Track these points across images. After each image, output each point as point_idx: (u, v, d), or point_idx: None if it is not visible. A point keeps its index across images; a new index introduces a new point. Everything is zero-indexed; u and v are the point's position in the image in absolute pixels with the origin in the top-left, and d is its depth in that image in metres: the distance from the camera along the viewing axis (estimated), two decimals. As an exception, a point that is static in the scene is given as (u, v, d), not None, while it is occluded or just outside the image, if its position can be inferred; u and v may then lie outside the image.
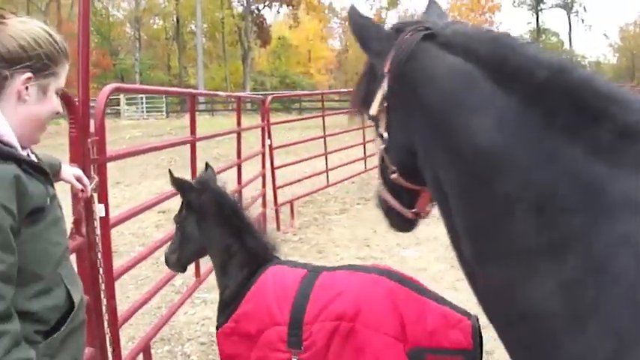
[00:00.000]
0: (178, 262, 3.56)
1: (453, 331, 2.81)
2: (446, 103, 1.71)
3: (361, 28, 2.06)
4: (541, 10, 74.10)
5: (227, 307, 3.22)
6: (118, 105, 40.79)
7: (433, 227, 9.49)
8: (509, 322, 1.60)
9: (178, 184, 3.46)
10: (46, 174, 2.02)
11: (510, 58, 1.62)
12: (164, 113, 42.87)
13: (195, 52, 59.24)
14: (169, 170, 3.54)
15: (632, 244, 1.33)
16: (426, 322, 2.81)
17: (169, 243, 3.65)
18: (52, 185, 2.09)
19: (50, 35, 2.00)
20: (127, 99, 42.07)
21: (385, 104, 1.96)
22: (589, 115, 1.47)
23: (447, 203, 1.77)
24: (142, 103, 43.59)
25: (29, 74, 1.93)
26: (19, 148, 1.90)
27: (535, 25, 75.42)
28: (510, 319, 1.59)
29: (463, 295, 6.40)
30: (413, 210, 2.22)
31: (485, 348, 5.18)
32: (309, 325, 2.91)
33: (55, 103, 2.07)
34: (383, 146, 2.05)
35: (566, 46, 75.75)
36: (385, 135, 2.01)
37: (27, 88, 1.93)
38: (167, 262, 3.59)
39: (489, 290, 1.67)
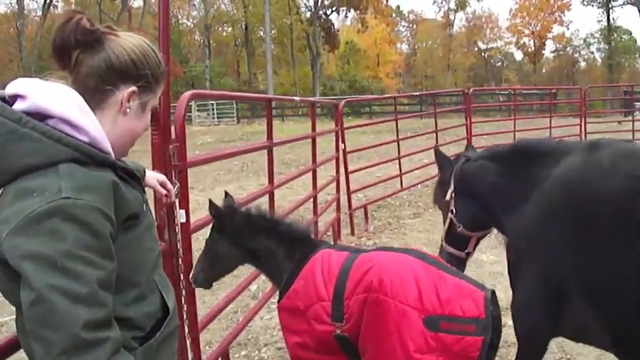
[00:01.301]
0: (206, 281, 3.82)
1: (465, 300, 3.13)
2: (476, 177, 3.99)
3: (442, 164, 4.54)
4: (612, 7, 70.83)
5: (285, 287, 3.53)
6: (190, 112, 41.22)
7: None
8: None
9: (216, 211, 3.72)
10: (139, 180, 2.01)
11: (497, 151, 3.97)
12: (235, 119, 43.39)
13: (264, 58, 59.78)
14: (210, 200, 3.78)
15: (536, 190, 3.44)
16: (441, 292, 3.14)
17: (195, 263, 3.85)
18: (144, 191, 2.08)
19: (156, 54, 1.99)
20: (197, 105, 42.66)
21: (453, 194, 4.22)
22: (524, 156, 3.64)
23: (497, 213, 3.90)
24: (213, 109, 44.15)
25: (134, 88, 1.91)
26: (113, 155, 1.88)
27: (606, 24, 72.67)
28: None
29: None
30: (466, 251, 4.37)
31: (566, 355, 5.03)
32: (348, 300, 3.27)
33: (148, 120, 2.08)
34: (452, 215, 4.27)
35: (639, 44, 73.32)
36: (454, 210, 4.24)
37: (129, 101, 1.92)
38: (195, 281, 3.79)
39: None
